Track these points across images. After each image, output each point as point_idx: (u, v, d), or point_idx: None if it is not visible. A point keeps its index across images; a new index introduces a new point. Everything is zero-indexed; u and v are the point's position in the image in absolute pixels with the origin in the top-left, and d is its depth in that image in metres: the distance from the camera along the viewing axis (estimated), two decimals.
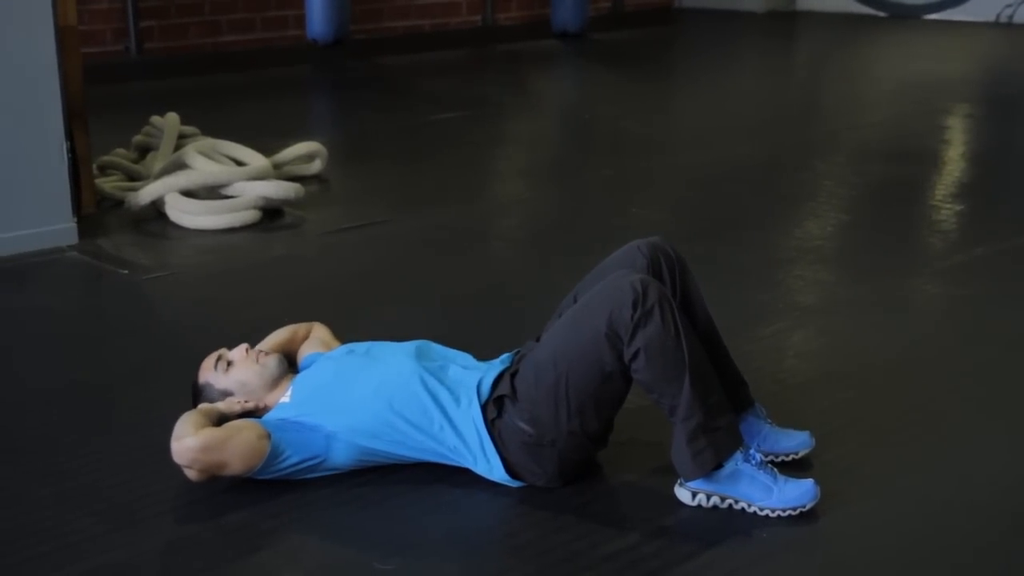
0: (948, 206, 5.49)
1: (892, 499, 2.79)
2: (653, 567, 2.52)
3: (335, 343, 3.15)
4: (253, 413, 2.90)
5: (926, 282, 4.45)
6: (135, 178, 5.56)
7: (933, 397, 3.38)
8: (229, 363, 2.96)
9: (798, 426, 2.99)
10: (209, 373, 2.95)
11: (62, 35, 4.80)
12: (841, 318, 4.04)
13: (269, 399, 2.92)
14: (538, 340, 2.88)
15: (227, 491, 2.84)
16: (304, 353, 3.13)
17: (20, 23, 4.54)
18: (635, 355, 2.59)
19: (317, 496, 2.79)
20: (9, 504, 2.81)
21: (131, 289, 4.38)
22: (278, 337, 3.16)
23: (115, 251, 4.75)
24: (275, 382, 2.93)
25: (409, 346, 2.95)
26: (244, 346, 3.00)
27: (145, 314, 4.21)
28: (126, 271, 4.53)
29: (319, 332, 3.20)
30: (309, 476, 2.83)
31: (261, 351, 2.99)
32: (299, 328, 3.21)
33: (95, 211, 5.14)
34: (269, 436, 2.77)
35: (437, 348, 2.99)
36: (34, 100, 4.62)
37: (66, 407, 3.36)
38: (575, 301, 2.85)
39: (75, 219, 4.81)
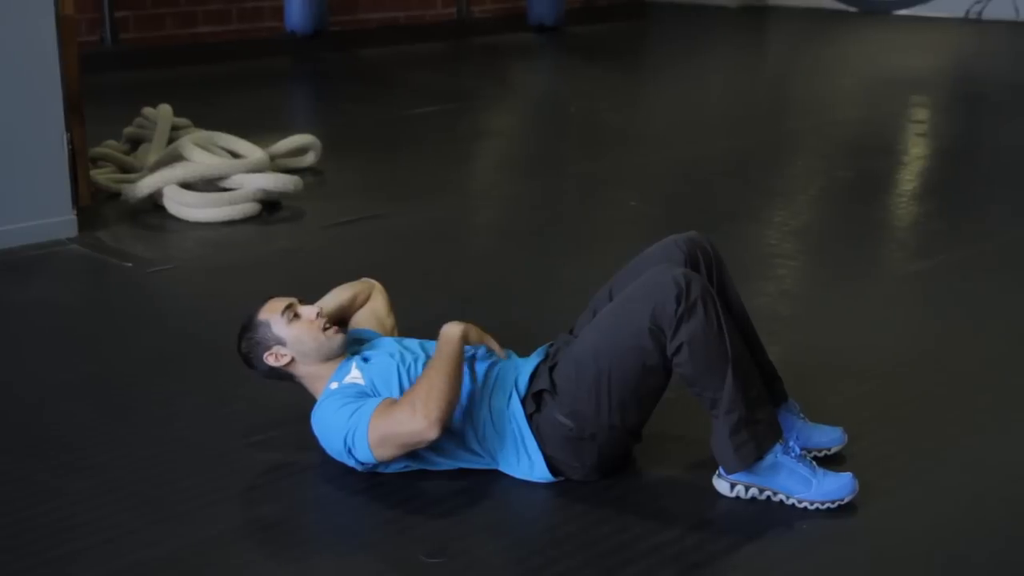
0: (929, 201, 5.56)
1: (928, 491, 2.83)
2: (697, 559, 2.55)
3: (389, 319, 3.14)
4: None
5: (914, 276, 4.49)
6: (128, 170, 5.50)
7: (942, 388, 3.42)
8: (296, 315, 2.88)
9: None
10: (275, 315, 2.86)
11: (61, 25, 4.72)
12: (833, 312, 4.06)
13: (311, 370, 2.87)
14: (571, 333, 2.90)
15: (261, 486, 2.84)
16: (357, 323, 3.11)
17: (21, 12, 4.48)
18: (678, 349, 2.61)
19: (355, 491, 2.80)
20: (45, 498, 2.79)
21: (137, 282, 4.35)
22: (339, 298, 3.13)
23: (116, 244, 4.71)
24: (330, 360, 2.88)
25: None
26: (318, 308, 2.92)
27: (154, 307, 4.18)
28: (130, 264, 4.49)
29: (377, 303, 3.17)
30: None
31: (333, 326, 2.91)
32: (360, 293, 3.17)
33: (91, 203, 5.08)
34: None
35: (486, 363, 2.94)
36: (35, 91, 4.57)
37: (87, 401, 3.34)
38: (610, 296, 2.86)
39: (75, 211, 4.77)
